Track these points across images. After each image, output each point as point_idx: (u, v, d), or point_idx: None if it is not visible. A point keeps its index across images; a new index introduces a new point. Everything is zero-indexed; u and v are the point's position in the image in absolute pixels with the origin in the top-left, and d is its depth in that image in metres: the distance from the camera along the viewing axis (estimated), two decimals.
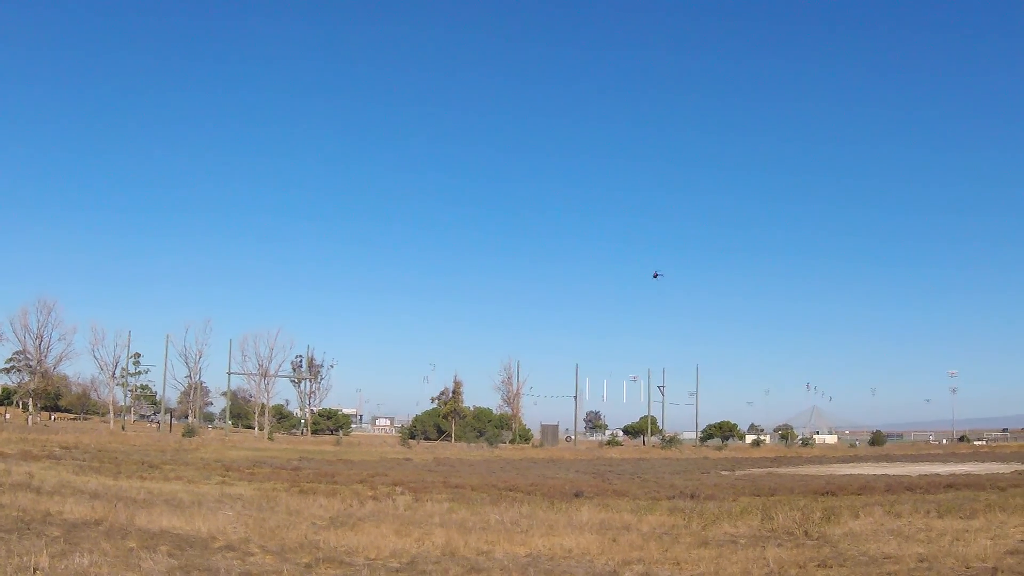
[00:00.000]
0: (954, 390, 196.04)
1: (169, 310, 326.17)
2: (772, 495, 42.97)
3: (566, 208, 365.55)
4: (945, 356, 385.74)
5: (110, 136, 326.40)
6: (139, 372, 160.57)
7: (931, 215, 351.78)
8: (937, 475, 60.82)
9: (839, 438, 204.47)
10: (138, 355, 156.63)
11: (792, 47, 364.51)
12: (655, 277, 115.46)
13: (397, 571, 18.32)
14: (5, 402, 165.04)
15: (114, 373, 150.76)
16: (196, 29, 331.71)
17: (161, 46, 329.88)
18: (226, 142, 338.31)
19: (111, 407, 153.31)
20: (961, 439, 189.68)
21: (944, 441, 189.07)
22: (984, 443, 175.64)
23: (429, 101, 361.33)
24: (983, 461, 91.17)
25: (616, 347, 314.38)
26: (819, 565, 19.59)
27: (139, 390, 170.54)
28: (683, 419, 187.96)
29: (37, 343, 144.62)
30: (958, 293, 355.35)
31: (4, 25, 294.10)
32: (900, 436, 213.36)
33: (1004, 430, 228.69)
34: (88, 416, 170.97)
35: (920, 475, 60.69)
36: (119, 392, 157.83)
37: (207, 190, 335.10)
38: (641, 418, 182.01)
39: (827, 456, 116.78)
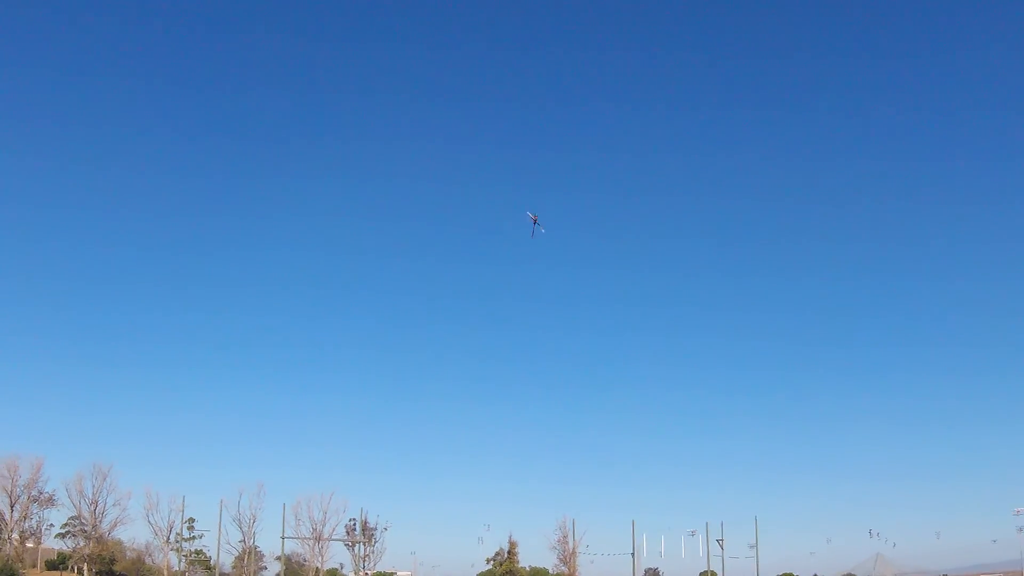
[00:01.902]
0: (1021, 529, 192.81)
1: (223, 474, 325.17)
2: None
3: (618, 365, 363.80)
4: (1010, 495, 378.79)
5: (153, 297, 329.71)
6: (193, 537, 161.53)
7: (987, 354, 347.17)
8: None
9: None
10: (192, 520, 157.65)
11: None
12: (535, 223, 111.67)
13: None
14: (60, 567, 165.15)
15: (168, 538, 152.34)
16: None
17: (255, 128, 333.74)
18: (276, 303, 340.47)
19: (166, 572, 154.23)
20: None
21: None
22: None
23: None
24: None
25: (673, 501, 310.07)
26: None
27: (193, 555, 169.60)
28: (744, 572, 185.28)
29: (92, 508, 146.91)
30: (1020, 429, 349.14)
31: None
32: None
33: None
34: None
35: None
36: (173, 557, 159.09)
37: (253, 352, 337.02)
38: (700, 573, 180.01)
39: None
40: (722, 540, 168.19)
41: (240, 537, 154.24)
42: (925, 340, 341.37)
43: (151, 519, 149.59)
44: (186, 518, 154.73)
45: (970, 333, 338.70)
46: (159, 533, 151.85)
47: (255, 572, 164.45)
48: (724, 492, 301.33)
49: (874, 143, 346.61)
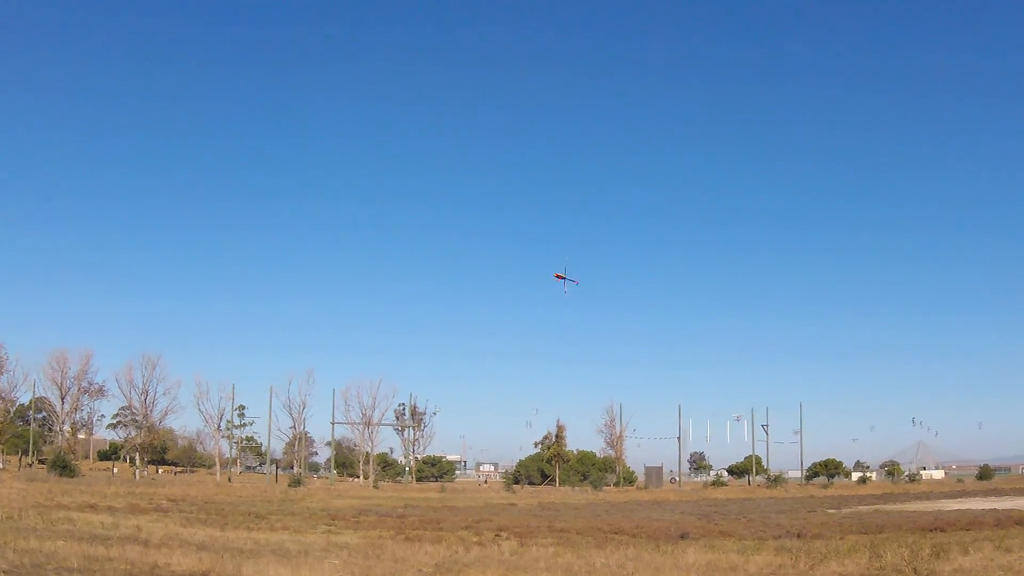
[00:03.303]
0: None
1: (272, 361, 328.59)
2: (879, 532, 42.44)
3: (666, 248, 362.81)
4: None
5: (215, 191, 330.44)
6: (244, 424, 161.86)
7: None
8: None
9: (946, 473, 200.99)
10: (242, 407, 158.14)
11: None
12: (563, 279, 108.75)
13: None
14: (112, 457, 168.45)
15: (219, 426, 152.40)
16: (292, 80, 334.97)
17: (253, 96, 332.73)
18: (322, 186, 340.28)
19: (217, 459, 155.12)
20: None
21: None
22: None
23: (532, 144, 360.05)
24: None
25: (719, 386, 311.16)
26: None
27: (244, 442, 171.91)
28: (788, 458, 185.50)
29: (143, 398, 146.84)
30: None
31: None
32: (1008, 470, 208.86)
33: None
34: (194, 469, 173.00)
35: None
36: (224, 444, 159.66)
37: (303, 238, 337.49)
38: (745, 458, 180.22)
39: (934, 492, 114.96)
40: (767, 425, 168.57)
41: (290, 423, 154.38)
42: (969, 230, 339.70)
43: (201, 407, 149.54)
44: (236, 405, 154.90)
45: (1013, 224, 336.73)
46: (209, 421, 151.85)
47: (306, 457, 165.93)
48: (770, 378, 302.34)
49: None
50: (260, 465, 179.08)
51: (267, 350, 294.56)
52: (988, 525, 45.97)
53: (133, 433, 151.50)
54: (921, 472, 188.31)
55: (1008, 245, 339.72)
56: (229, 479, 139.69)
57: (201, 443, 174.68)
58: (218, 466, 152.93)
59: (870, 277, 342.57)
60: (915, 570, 25.08)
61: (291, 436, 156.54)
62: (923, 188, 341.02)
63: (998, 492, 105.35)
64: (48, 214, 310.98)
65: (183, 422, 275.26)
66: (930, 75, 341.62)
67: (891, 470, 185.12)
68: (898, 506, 75.23)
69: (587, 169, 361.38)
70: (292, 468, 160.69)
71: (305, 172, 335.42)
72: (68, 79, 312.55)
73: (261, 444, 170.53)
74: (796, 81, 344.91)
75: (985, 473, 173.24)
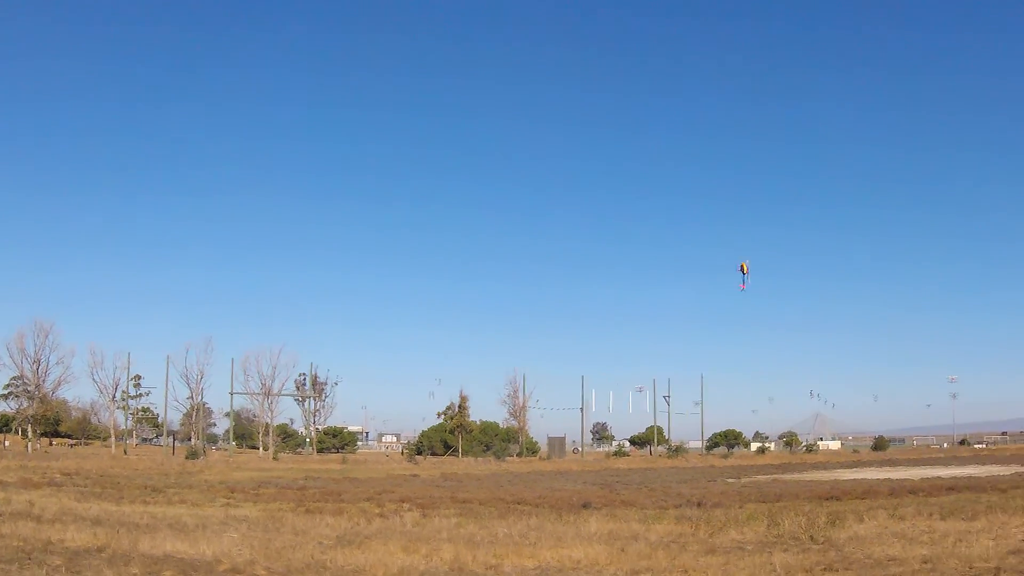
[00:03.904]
0: (954, 395, 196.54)
1: (169, 330, 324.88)
2: (778, 501, 43.01)
3: (571, 218, 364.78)
4: (945, 361, 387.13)
5: (107, 152, 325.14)
6: (140, 395, 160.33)
7: (931, 219, 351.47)
8: (939, 478, 60.88)
9: (842, 444, 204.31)
10: (138, 377, 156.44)
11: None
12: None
13: None
14: (4, 429, 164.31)
15: (114, 396, 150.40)
16: (193, 38, 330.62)
17: (162, 57, 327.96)
18: (221, 155, 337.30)
19: (112, 431, 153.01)
20: (962, 443, 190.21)
21: (945, 445, 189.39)
22: (984, 446, 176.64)
23: (431, 107, 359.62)
24: (984, 464, 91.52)
25: (621, 358, 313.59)
26: (825, 569, 19.57)
27: (140, 413, 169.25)
28: (689, 428, 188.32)
29: (35, 368, 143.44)
30: (959, 298, 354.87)
31: None
32: (902, 441, 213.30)
33: (1003, 433, 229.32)
34: (89, 441, 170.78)
35: (923, 478, 60.74)
36: (120, 416, 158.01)
37: (203, 205, 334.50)
38: (647, 428, 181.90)
39: (831, 462, 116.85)
40: (668, 396, 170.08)
41: (188, 394, 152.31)
42: (864, 200, 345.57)
43: (96, 377, 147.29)
44: (132, 375, 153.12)
45: (921, 201, 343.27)
46: (104, 391, 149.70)
47: (204, 429, 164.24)
48: (672, 350, 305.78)
49: None
50: (157, 437, 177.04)
51: (164, 318, 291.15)
52: (883, 494, 46.79)
53: (25, 404, 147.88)
54: (818, 443, 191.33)
55: (901, 216, 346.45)
56: (125, 452, 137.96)
57: (96, 414, 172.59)
58: (113, 438, 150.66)
59: (769, 248, 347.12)
60: (812, 537, 25.37)
61: (189, 407, 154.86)
62: (819, 164, 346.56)
63: (892, 462, 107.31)
64: None
65: (77, 393, 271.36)
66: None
67: (789, 441, 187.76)
68: (796, 476, 76.37)
69: (483, 134, 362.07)
70: (190, 440, 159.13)
71: (204, 139, 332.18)
72: None
73: (158, 415, 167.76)
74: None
75: (880, 444, 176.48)
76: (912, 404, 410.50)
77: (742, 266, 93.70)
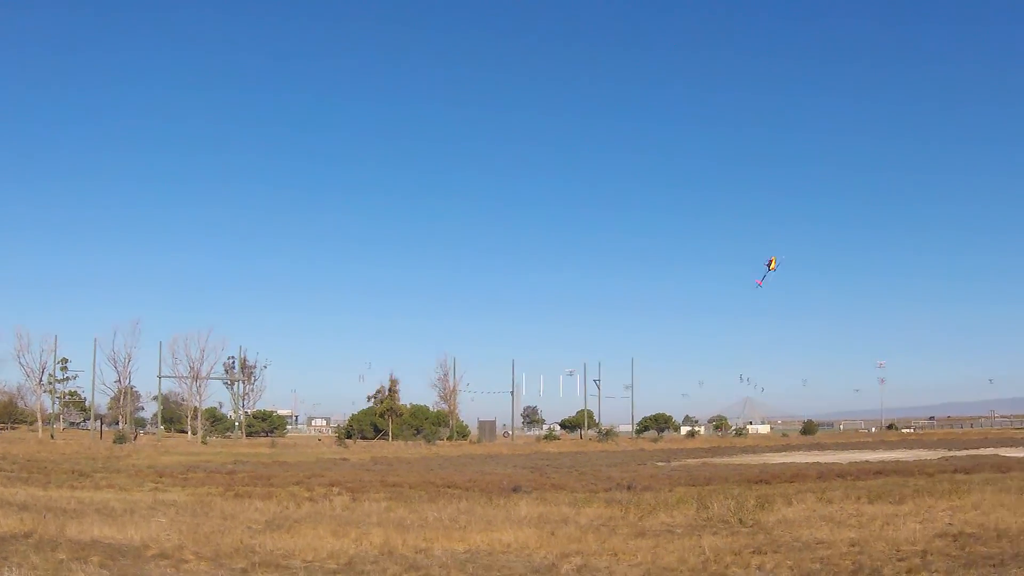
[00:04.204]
0: (882, 380, 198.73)
1: (97, 313, 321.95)
2: (707, 485, 43.31)
3: (500, 202, 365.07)
4: (874, 347, 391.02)
5: (29, 132, 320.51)
6: (67, 378, 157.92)
7: (859, 206, 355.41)
8: (867, 462, 61.59)
9: (772, 428, 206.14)
10: (65, 360, 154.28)
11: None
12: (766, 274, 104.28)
13: (335, 572, 18.21)
14: None
15: (41, 380, 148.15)
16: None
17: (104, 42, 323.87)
18: (150, 137, 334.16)
19: (39, 415, 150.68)
20: (890, 427, 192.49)
21: (873, 429, 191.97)
22: (912, 431, 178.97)
23: (366, 93, 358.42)
24: (911, 448, 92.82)
25: (552, 342, 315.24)
26: (754, 552, 19.72)
27: (68, 397, 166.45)
28: (619, 412, 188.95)
29: None
30: (887, 284, 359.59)
31: None
32: (831, 425, 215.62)
33: (931, 418, 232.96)
34: (15, 425, 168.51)
35: (851, 462, 61.40)
36: (47, 399, 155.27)
37: (130, 186, 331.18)
38: (578, 412, 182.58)
39: (760, 446, 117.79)
40: (599, 380, 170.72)
41: (115, 377, 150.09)
42: (794, 189, 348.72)
43: (22, 360, 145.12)
44: (59, 358, 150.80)
45: (847, 186, 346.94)
46: (31, 375, 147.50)
47: (132, 413, 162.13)
48: (603, 334, 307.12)
49: None
50: (84, 421, 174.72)
51: (91, 301, 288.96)
52: (811, 478, 47.28)
53: None
54: (748, 427, 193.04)
55: (829, 203, 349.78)
56: (52, 436, 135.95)
57: (22, 398, 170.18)
58: (40, 422, 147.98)
59: (697, 235, 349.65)
60: (741, 520, 25.57)
61: (116, 390, 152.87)
62: (747, 151, 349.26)
63: (821, 446, 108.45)
64: None
65: (3, 376, 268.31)
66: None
67: (719, 424, 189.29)
68: (725, 459, 76.93)
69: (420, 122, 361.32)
70: (118, 424, 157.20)
71: (132, 119, 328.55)
72: None
73: (85, 399, 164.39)
74: None
75: (809, 428, 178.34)
76: (841, 389, 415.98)
77: (771, 261, 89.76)
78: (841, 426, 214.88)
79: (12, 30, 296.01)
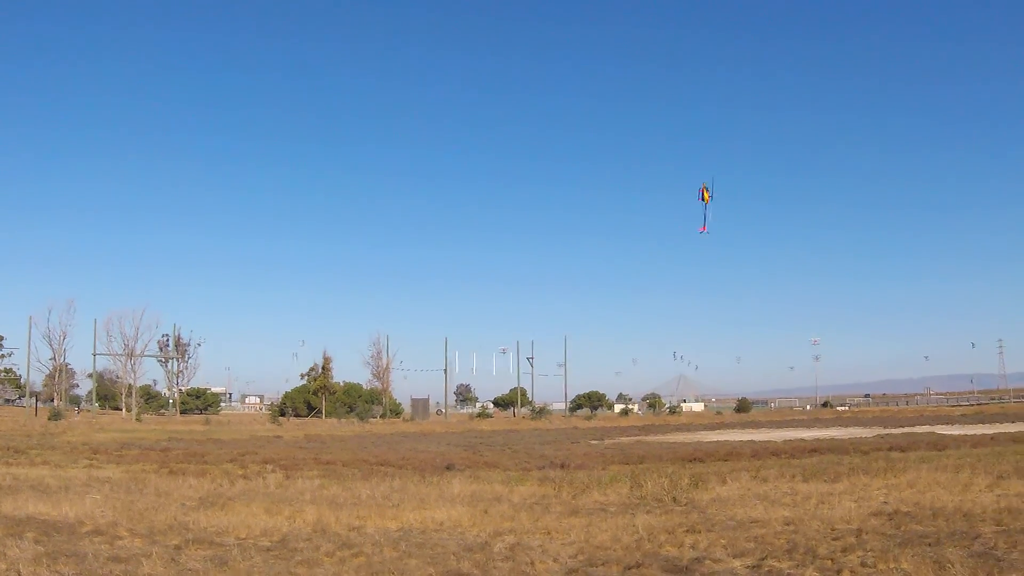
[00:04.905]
0: (817, 357, 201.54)
1: (31, 291, 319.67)
2: (641, 463, 43.64)
3: (432, 179, 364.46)
4: (807, 324, 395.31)
5: None
6: (2, 356, 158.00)
7: (794, 182, 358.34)
8: (802, 440, 62.19)
9: (706, 406, 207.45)
10: (0, 338, 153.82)
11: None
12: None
13: (268, 550, 18.25)
14: None
15: None
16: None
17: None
18: (80, 115, 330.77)
19: None
20: (824, 405, 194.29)
21: (808, 407, 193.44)
22: (847, 409, 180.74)
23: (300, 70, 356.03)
24: (846, 426, 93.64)
25: (485, 320, 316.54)
26: (688, 531, 19.89)
27: (3, 374, 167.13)
28: (552, 390, 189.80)
29: None
30: (821, 262, 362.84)
31: None
32: (766, 403, 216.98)
33: (866, 396, 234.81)
34: None
35: (785, 440, 62.03)
36: None
37: (64, 164, 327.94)
38: (511, 390, 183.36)
39: (694, 424, 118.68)
40: (532, 358, 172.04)
41: (50, 355, 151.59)
42: (734, 170, 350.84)
43: None
44: None
45: (777, 162, 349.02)
46: None
47: (67, 390, 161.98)
48: (536, 312, 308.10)
49: None
50: (20, 398, 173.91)
51: (26, 279, 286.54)
52: (745, 456, 47.77)
53: None
54: (682, 405, 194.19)
55: (763, 180, 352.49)
56: None
57: None
58: None
59: (632, 210, 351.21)
60: (674, 499, 25.79)
61: (51, 368, 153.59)
62: (679, 119, 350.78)
63: (755, 424, 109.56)
64: None
65: None
66: None
67: (653, 403, 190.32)
68: (659, 437, 77.51)
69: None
70: (53, 401, 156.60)
71: (67, 97, 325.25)
72: None
73: (20, 376, 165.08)
74: None
75: (743, 406, 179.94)
76: (775, 366, 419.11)
77: (703, 192, 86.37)
78: (775, 404, 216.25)
79: None
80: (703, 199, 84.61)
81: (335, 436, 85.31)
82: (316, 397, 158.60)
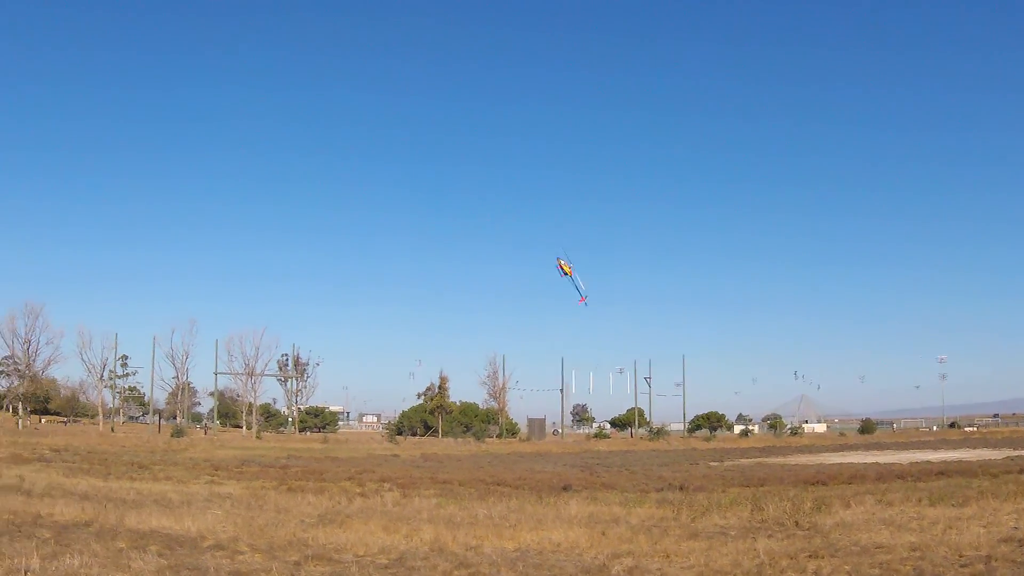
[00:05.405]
0: (944, 376, 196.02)
1: (155, 311, 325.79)
2: (762, 486, 42.96)
3: (549, 199, 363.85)
4: (934, 342, 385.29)
5: (94, 137, 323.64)
6: (127, 374, 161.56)
7: (920, 200, 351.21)
8: (928, 462, 60.73)
9: (828, 427, 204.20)
10: (125, 357, 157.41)
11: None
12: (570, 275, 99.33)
13: (386, 567, 18.28)
14: None
15: (102, 376, 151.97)
16: (189, 28, 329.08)
17: (159, 45, 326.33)
18: (208, 140, 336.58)
19: (100, 409, 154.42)
20: (951, 425, 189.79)
21: (934, 428, 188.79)
22: (975, 429, 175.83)
23: (414, 93, 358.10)
24: (974, 447, 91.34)
25: (602, 339, 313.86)
26: (810, 556, 19.51)
27: (127, 392, 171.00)
28: (670, 410, 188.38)
29: (25, 347, 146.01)
30: (947, 278, 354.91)
31: None
32: (890, 424, 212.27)
33: (995, 415, 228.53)
34: (77, 419, 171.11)
35: (911, 463, 60.65)
36: (108, 394, 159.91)
37: (189, 189, 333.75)
38: (628, 410, 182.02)
39: (816, 445, 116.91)
40: (649, 378, 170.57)
41: (173, 373, 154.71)
42: (852, 182, 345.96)
43: (84, 357, 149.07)
44: (119, 355, 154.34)
45: (906, 182, 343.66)
46: (93, 371, 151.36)
47: (189, 408, 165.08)
48: (653, 331, 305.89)
49: None
50: (143, 416, 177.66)
51: (150, 300, 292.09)
52: (870, 479, 46.71)
53: (15, 383, 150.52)
54: (803, 425, 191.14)
55: (889, 198, 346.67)
56: (112, 429, 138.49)
57: (84, 393, 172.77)
58: (101, 416, 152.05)
59: (752, 229, 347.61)
60: (797, 523, 25.36)
61: (174, 386, 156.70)
62: (800, 139, 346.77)
63: (880, 446, 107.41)
64: None
65: (66, 372, 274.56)
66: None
67: (773, 423, 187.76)
68: (780, 459, 76.37)
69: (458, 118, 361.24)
70: (175, 419, 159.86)
71: (189, 123, 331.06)
72: None
73: (144, 394, 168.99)
74: None
75: (867, 427, 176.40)
76: (900, 385, 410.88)
77: (560, 266, 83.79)
78: (900, 424, 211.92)
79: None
80: (564, 273, 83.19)
81: (451, 455, 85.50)
82: (432, 416, 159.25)
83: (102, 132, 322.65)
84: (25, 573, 15.76)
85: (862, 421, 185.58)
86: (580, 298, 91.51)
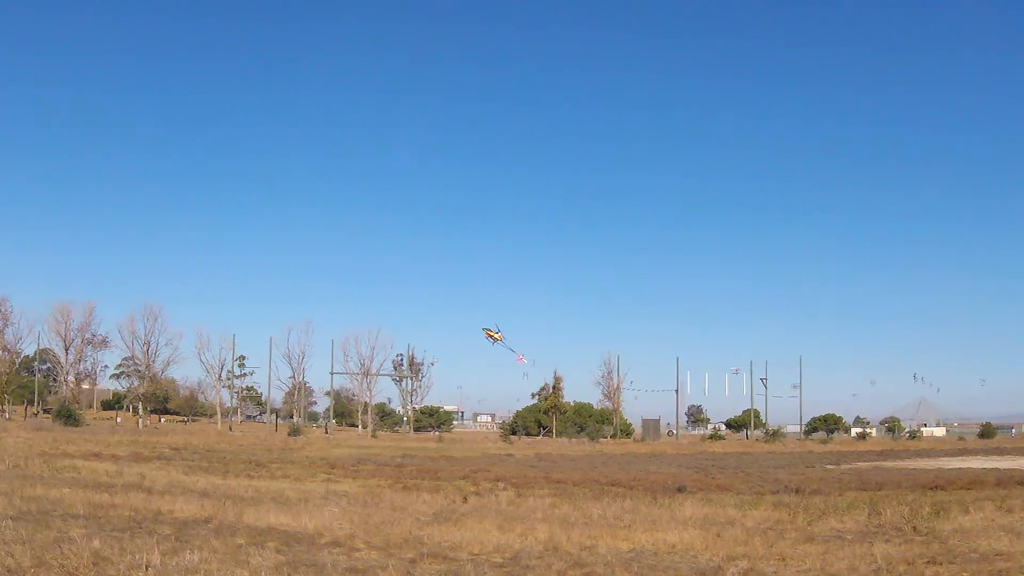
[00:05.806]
0: None
1: (272, 312, 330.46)
2: (879, 490, 42.41)
3: (665, 199, 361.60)
4: None
5: (217, 142, 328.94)
6: (244, 374, 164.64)
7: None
8: None
9: (947, 430, 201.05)
10: (243, 358, 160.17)
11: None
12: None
13: (501, 566, 18.33)
14: (116, 406, 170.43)
15: (220, 376, 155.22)
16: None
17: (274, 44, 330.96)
18: (322, 139, 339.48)
19: (218, 409, 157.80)
20: None
21: None
22: None
23: (538, 98, 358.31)
24: None
25: (717, 340, 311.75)
26: (928, 562, 19.21)
27: (245, 392, 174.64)
28: (786, 412, 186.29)
29: (145, 349, 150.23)
30: None
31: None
32: (1011, 428, 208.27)
33: None
34: (196, 418, 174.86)
35: None
36: (225, 394, 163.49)
37: (307, 192, 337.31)
38: (743, 411, 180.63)
39: (935, 449, 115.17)
40: (765, 379, 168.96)
41: (290, 373, 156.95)
42: (970, 187, 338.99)
43: (203, 358, 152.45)
44: (236, 356, 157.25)
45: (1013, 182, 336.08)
46: (211, 371, 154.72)
47: (305, 407, 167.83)
48: (769, 332, 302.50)
49: None
50: (260, 415, 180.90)
51: (267, 301, 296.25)
52: (989, 484, 45.88)
53: (136, 383, 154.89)
54: (922, 429, 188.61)
55: (1010, 203, 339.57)
56: (230, 428, 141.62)
57: (202, 393, 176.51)
58: (219, 415, 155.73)
59: (871, 232, 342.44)
60: (915, 528, 25.00)
61: (290, 386, 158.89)
62: (927, 146, 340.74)
63: (1000, 451, 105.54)
64: (48, 167, 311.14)
65: (185, 372, 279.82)
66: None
67: (891, 426, 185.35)
68: (898, 463, 75.38)
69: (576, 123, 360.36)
70: (292, 417, 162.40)
71: (300, 126, 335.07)
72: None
73: (261, 394, 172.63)
74: None
75: (987, 431, 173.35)
76: (1022, 389, 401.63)
77: (488, 335, 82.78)
78: (1022, 429, 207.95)
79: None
80: (494, 341, 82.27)
81: (565, 455, 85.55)
82: (546, 416, 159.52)
83: (225, 136, 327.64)
84: (146, 568, 16.03)
85: (982, 425, 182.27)
86: (518, 356, 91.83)
